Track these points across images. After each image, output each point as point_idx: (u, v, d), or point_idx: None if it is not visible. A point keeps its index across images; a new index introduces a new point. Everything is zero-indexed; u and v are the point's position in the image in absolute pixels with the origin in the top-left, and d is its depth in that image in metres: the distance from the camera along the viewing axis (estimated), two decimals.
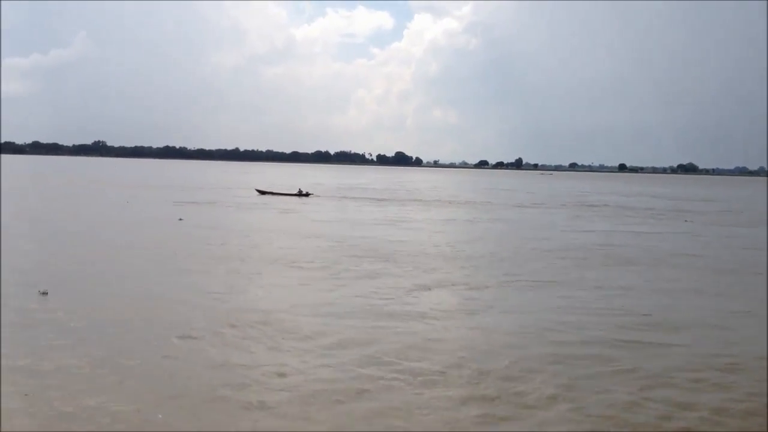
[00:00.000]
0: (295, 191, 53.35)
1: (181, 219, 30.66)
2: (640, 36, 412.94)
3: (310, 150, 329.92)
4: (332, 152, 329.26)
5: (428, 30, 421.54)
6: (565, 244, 25.42)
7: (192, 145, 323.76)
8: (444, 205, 49.13)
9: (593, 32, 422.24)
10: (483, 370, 9.88)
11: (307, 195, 52.28)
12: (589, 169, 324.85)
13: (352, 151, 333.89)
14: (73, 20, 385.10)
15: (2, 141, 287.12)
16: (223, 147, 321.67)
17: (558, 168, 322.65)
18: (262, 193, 53.91)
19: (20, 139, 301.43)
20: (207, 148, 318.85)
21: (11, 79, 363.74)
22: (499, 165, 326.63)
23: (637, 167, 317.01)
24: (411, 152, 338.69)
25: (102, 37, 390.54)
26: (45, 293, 14.06)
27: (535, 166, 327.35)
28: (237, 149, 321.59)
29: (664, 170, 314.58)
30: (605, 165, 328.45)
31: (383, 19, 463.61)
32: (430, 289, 15.91)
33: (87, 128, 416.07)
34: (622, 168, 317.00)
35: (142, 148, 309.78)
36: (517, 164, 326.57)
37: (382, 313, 13.35)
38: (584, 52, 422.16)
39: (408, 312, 13.46)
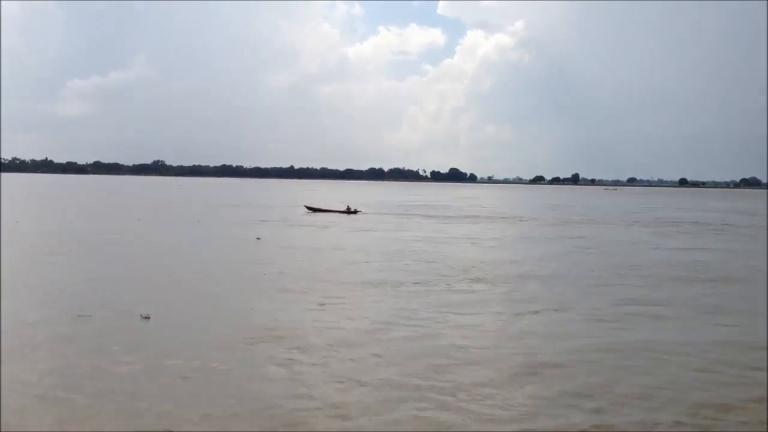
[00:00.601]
0: (344, 208, 52.51)
1: (259, 238, 30.24)
2: (699, 47, 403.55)
3: (364, 167, 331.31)
4: (386, 169, 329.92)
5: (481, 46, 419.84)
6: (666, 262, 24.19)
7: (248, 164, 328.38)
8: (514, 221, 47.94)
9: (650, 44, 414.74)
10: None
11: (355, 212, 51.55)
12: (648, 183, 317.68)
13: (406, 168, 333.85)
14: (132, 43, 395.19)
15: (65, 161, 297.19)
16: (278, 165, 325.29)
17: (616, 183, 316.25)
18: (312, 210, 53.49)
19: (82, 160, 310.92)
20: (263, 167, 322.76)
21: (72, 100, 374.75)
22: (556, 180, 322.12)
23: (698, 182, 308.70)
24: (465, 168, 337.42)
25: (160, 59, 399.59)
26: (147, 317, 13.60)
27: (592, 182, 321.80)
28: (292, 167, 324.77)
29: (726, 185, 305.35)
30: (664, 179, 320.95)
31: (435, 36, 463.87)
32: (538, 313, 15.00)
33: (146, 148, 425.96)
34: (683, 182, 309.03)
35: (200, 167, 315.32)
36: (574, 179, 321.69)
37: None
38: (641, 65, 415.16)
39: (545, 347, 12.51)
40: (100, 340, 11.85)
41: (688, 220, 52.88)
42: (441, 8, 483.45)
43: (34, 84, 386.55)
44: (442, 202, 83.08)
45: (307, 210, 53.67)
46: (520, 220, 49.06)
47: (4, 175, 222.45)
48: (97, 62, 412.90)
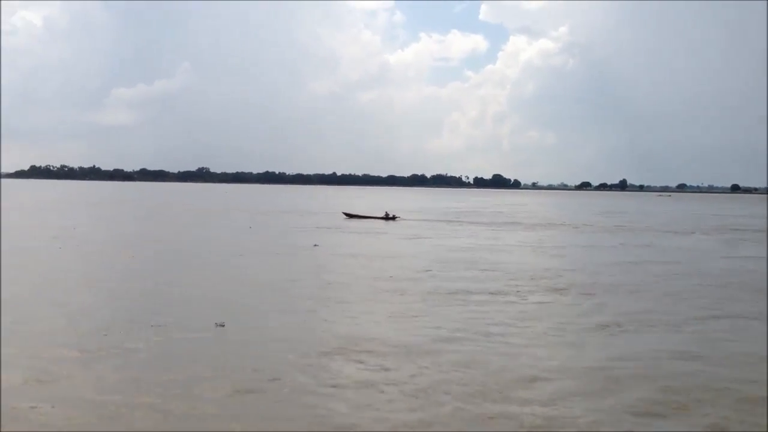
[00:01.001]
0: (383, 214, 52.07)
1: (316, 245, 29.83)
2: (748, 51, 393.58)
3: (406, 174, 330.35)
4: (428, 175, 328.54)
5: (524, 51, 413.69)
6: (742, 271, 23.07)
7: (290, 170, 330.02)
8: (571, 229, 46.74)
9: (698, 48, 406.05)
10: None
11: (393, 218, 51.03)
12: (698, 189, 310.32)
13: (449, 174, 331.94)
14: (176, 52, 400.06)
15: (112, 168, 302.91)
16: (320, 172, 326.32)
17: (665, 189, 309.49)
18: (350, 216, 53.33)
19: (128, 167, 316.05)
20: (305, 173, 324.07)
21: (118, 109, 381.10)
22: (603, 187, 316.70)
23: (750, 188, 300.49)
24: (507, 174, 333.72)
25: (204, 67, 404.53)
26: (222, 325, 13.23)
27: (641, 188, 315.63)
28: (334, 174, 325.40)
29: None
30: (714, 185, 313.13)
31: (477, 42, 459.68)
32: (620, 327, 14.16)
33: (191, 155, 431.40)
34: (735, 188, 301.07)
35: (243, 173, 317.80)
36: (621, 186, 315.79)
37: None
38: (687, 69, 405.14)
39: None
40: (176, 350, 11.49)
41: (752, 227, 51.07)
42: (483, 14, 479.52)
43: (81, 93, 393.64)
44: (490, 208, 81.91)
45: (345, 216, 53.51)
46: (577, 228, 47.81)
47: (56, 182, 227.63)
48: (142, 71, 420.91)
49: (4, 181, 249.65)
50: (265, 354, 11.46)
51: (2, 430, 7.63)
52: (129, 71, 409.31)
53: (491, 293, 17.96)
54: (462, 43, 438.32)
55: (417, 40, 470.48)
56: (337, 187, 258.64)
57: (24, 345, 11.65)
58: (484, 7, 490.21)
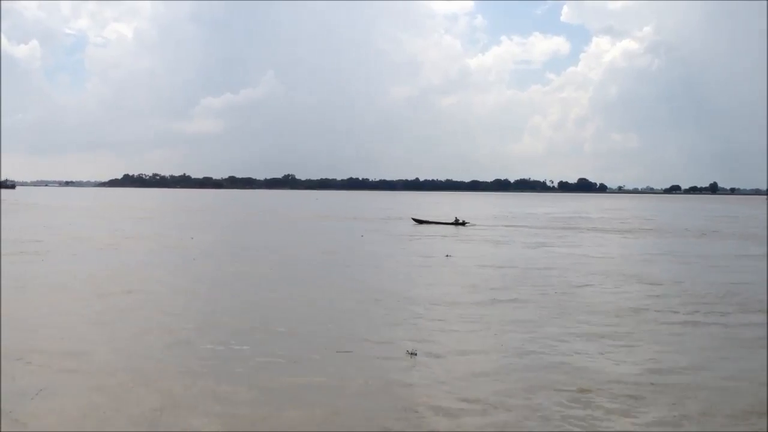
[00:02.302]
0: (452, 220, 51.78)
1: (448, 255, 28.33)
2: None
3: (488, 178, 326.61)
4: (512, 180, 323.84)
5: (607, 52, 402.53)
6: None
7: (374, 176, 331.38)
8: (701, 236, 43.68)
9: None
10: None
11: (463, 224, 50.48)
12: None
13: (531, 179, 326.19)
14: (260, 61, 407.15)
15: (202, 176, 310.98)
16: (403, 177, 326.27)
17: (757, 192, 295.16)
18: (419, 222, 52.93)
19: (217, 174, 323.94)
20: (388, 179, 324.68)
21: (206, 117, 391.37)
22: (693, 190, 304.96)
23: None
24: (590, 178, 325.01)
25: (287, 75, 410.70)
26: (414, 354, 11.84)
27: (732, 191, 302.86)
28: (417, 179, 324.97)
29: None
30: None
31: (559, 44, 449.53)
32: None
33: (277, 162, 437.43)
34: None
35: (327, 180, 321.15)
36: (712, 189, 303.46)
37: None
38: None
39: None
40: (384, 383, 10.12)
41: None
42: (565, 15, 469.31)
43: (170, 103, 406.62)
44: (585, 213, 78.85)
45: (414, 222, 53.13)
46: (705, 234, 44.72)
47: (150, 190, 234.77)
48: (228, 80, 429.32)
49: (99, 189, 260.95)
50: (502, 389, 9.94)
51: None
52: (216, 81, 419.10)
53: (688, 314, 15.99)
54: (543, 45, 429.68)
55: (498, 44, 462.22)
56: (421, 192, 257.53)
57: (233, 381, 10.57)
58: (565, 8, 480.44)
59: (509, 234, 43.49)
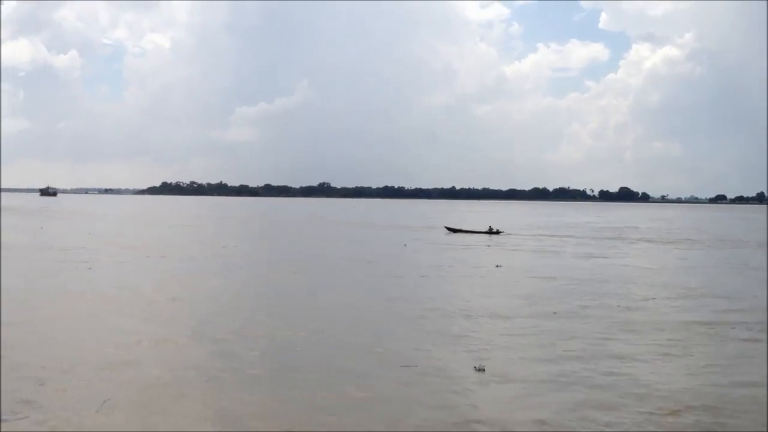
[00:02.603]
0: (485, 229, 51.55)
1: (498, 266, 27.57)
2: None
3: (525, 186, 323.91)
4: (550, 188, 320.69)
5: (647, 59, 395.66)
6: None
7: (409, 184, 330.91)
8: (748, 246, 42.14)
9: None
10: None
11: (498, 233, 50.08)
12: None
13: (570, 187, 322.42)
14: (294, 70, 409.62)
15: (238, 184, 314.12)
16: (438, 186, 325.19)
17: None
18: (452, 230, 52.62)
19: (253, 182, 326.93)
20: (424, 187, 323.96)
21: (241, 126, 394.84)
22: (739, 200, 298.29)
23: None
24: (631, 187, 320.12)
25: (322, 84, 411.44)
26: (481, 369, 11.23)
27: None
28: (453, 188, 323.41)
29: None
30: None
31: (598, 51, 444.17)
32: None
33: (312, 170, 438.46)
34: None
35: (362, 188, 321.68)
36: (759, 198, 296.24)
37: None
38: None
39: None
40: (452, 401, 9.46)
41: None
42: (603, 22, 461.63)
43: (206, 111, 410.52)
44: (632, 223, 77.18)
45: (447, 231, 52.75)
46: (760, 245, 43.15)
47: (188, 198, 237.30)
48: (263, 89, 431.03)
49: (138, 196, 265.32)
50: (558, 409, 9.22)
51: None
52: (251, 90, 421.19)
53: (763, 331, 15.01)
54: (581, 52, 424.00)
55: (534, 51, 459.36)
56: (457, 201, 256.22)
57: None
58: (604, 15, 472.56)
59: (557, 244, 42.54)
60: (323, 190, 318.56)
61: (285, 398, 9.70)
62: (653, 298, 19.70)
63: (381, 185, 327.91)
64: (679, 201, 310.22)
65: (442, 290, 21.16)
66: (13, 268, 24.61)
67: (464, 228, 54.46)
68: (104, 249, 32.85)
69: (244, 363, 11.51)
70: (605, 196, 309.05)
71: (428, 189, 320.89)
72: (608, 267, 28.84)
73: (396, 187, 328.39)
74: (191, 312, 16.73)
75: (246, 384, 10.32)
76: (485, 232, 50.55)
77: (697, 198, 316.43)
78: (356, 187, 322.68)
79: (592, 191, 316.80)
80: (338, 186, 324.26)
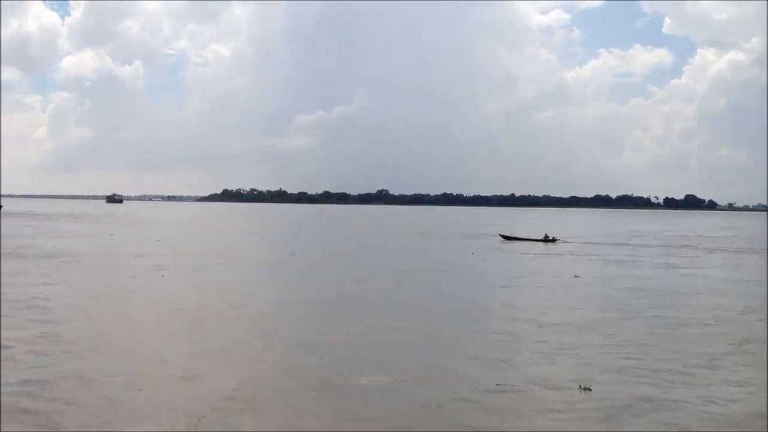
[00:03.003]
0: (541, 236, 50.78)
1: (576, 276, 26.63)
2: None
3: (587, 194, 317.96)
4: (612, 196, 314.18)
5: (713, 65, 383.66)
6: None
7: (468, 192, 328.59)
8: None
9: None
10: None
11: (553, 240, 49.32)
12: None
13: (634, 194, 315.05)
14: (352, 78, 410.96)
15: (297, 192, 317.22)
16: (498, 193, 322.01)
17: None
18: (507, 238, 52.05)
19: (311, 190, 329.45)
20: (483, 195, 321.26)
21: (299, 134, 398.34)
22: None
23: None
24: (697, 194, 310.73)
25: (380, 91, 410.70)
26: (588, 389, 10.57)
27: None
28: (513, 195, 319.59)
29: None
30: None
31: (662, 56, 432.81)
32: None
33: (371, 178, 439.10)
34: None
35: (421, 195, 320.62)
36: None
37: None
38: None
39: None
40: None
41: None
42: (667, 27, 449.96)
43: (266, 119, 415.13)
44: (703, 231, 74.39)
45: (502, 239, 52.08)
46: None
47: (248, 205, 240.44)
48: (321, 97, 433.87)
49: (200, 204, 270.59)
50: None
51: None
52: (309, 98, 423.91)
53: None
54: (645, 57, 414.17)
55: (596, 57, 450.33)
56: (518, 208, 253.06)
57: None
58: (668, 19, 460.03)
59: (631, 253, 41.14)
60: (381, 198, 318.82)
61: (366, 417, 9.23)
62: (751, 312, 18.56)
63: (439, 192, 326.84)
64: (746, 209, 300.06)
65: (528, 301, 20.33)
66: (89, 276, 24.91)
67: (519, 235, 53.82)
68: (177, 256, 33.06)
69: (328, 387, 11.05)
70: (670, 204, 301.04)
71: (487, 196, 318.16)
72: (692, 278, 27.59)
73: (455, 194, 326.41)
74: (271, 321, 16.44)
75: (340, 397, 9.86)
76: (541, 240, 49.81)
77: (765, 206, 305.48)
78: (414, 194, 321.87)
79: (657, 198, 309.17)
80: (396, 193, 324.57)
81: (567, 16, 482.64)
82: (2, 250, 33.02)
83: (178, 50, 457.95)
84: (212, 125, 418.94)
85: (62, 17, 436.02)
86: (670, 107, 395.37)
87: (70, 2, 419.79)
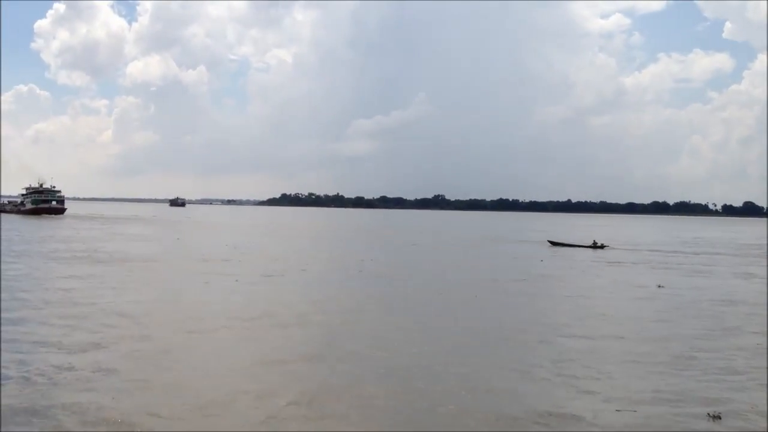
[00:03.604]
0: (590, 243, 50.14)
1: (660, 286, 25.59)
2: None
3: (644, 200, 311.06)
4: (670, 202, 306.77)
5: None
6: None
7: (524, 197, 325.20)
8: None
9: None
10: None
11: (602, 247, 48.83)
12: None
13: (692, 201, 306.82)
14: (411, 83, 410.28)
15: (354, 196, 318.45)
16: (553, 199, 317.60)
17: None
18: (555, 244, 52.65)
19: (368, 194, 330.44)
20: (539, 200, 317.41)
21: (358, 139, 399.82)
22: None
23: None
24: (756, 202, 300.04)
25: (438, 97, 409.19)
26: (717, 417, 9.80)
27: None
28: (569, 201, 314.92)
29: None
30: None
31: (722, 61, 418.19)
32: None
33: (427, 183, 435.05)
34: None
35: (477, 201, 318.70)
36: None
37: None
38: None
39: None
40: None
41: None
42: (727, 32, 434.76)
43: (325, 125, 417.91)
44: None
45: (550, 244, 52.74)
46: None
47: (307, 209, 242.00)
48: (380, 103, 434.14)
49: (260, 207, 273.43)
50: None
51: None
52: (368, 103, 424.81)
53: None
54: (704, 62, 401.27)
55: (655, 61, 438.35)
56: (575, 214, 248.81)
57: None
58: (728, 24, 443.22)
59: (707, 262, 39.60)
60: (437, 203, 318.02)
61: None
62: None
63: (495, 198, 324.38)
64: None
65: (621, 314, 19.42)
66: (163, 281, 24.94)
67: (567, 242, 53.57)
68: (248, 262, 33.03)
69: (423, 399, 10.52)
70: (729, 211, 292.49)
71: (543, 202, 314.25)
72: None
73: (510, 200, 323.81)
74: (353, 331, 16.00)
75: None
76: (589, 246, 49.20)
77: None
78: (470, 199, 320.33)
79: (715, 205, 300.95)
80: (452, 198, 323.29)
81: (628, 21, 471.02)
82: (74, 254, 33.63)
83: (241, 56, 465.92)
84: (273, 130, 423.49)
85: (129, 22, 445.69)
86: (729, 113, 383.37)
87: (138, 8, 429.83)
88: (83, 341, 13.64)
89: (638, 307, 21.03)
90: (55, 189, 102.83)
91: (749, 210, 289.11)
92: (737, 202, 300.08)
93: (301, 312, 18.33)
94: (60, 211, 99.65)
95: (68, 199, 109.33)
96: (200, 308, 18.66)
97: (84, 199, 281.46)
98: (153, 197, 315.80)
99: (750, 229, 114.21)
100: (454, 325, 17.15)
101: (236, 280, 24.92)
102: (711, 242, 64.42)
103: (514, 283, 26.64)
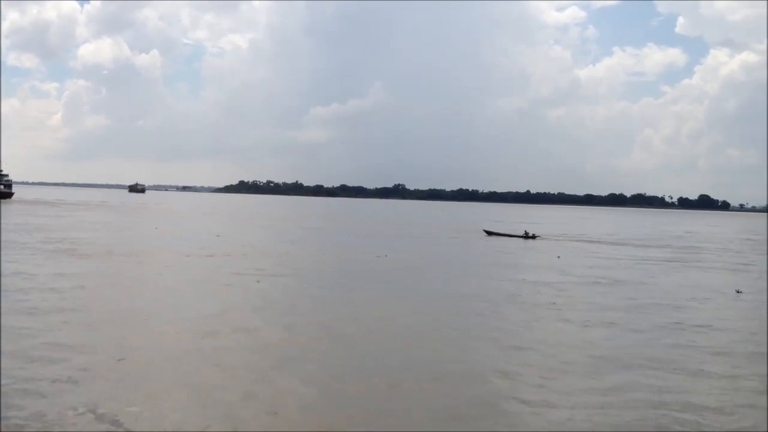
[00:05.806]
0: (521, 233, 50.92)
1: (739, 291, 23.18)
2: None
3: (601, 192, 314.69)
4: (627, 195, 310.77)
5: (724, 65, 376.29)
6: None
7: (482, 188, 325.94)
8: None
9: None
10: None
11: (533, 237, 49.39)
12: None
13: (647, 194, 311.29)
14: (368, 72, 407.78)
15: (313, 184, 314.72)
16: (512, 190, 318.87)
17: None
18: (490, 233, 53.77)
19: (327, 183, 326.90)
20: (498, 191, 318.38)
21: (315, 127, 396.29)
22: None
23: None
24: (707, 194, 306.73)
25: (395, 86, 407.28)
26: None
27: None
28: (528, 192, 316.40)
29: None
30: None
31: (674, 56, 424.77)
32: None
33: (386, 172, 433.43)
34: None
35: (437, 190, 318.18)
36: None
37: None
38: None
39: None
40: None
41: None
42: (680, 27, 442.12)
43: (282, 111, 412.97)
44: (754, 233, 70.52)
45: (486, 234, 53.78)
46: None
47: (267, 197, 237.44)
48: (337, 91, 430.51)
49: (216, 195, 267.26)
50: None
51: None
52: (325, 91, 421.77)
53: None
54: (658, 56, 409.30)
55: (610, 55, 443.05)
56: (537, 206, 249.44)
57: None
58: (681, 19, 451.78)
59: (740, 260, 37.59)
60: (398, 192, 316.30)
61: None
62: None
63: (455, 188, 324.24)
64: (753, 209, 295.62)
65: (716, 326, 16.68)
66: (169, 280, 21.51)
67: (501, 231, 54.79)
68: (251, 256, 29.62)
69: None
70: (684, 204, 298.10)
71: (503, 193, 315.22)
72: None
73: (470, 190, 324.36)
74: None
75: None
76: (521, 236, 49.56)
77: None
78: (430, 189, 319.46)
79: (671, 198, 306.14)
80: (412, 188, 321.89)
81: (583, 14, 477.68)
82: (45, 245, 29.95)
83: (195, 40, 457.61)
84: (228, 116, 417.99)
85: (81, 4, 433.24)
86: (680, 107, 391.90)
87: None
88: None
89: (734, 318, 18.28)
90: (3, 173, 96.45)
91: (704, 203, 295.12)
92: (688, 195, 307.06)
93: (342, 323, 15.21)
94: (7, 195, 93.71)
95: (16, 183, 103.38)
96: (260, 325, 15.11)
97: (32, 184, 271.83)
98: (106, 182, 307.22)
99: (728, 222, 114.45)
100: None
101: (258, 281, 21.55)
102: (714, 237, 63.04)
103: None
